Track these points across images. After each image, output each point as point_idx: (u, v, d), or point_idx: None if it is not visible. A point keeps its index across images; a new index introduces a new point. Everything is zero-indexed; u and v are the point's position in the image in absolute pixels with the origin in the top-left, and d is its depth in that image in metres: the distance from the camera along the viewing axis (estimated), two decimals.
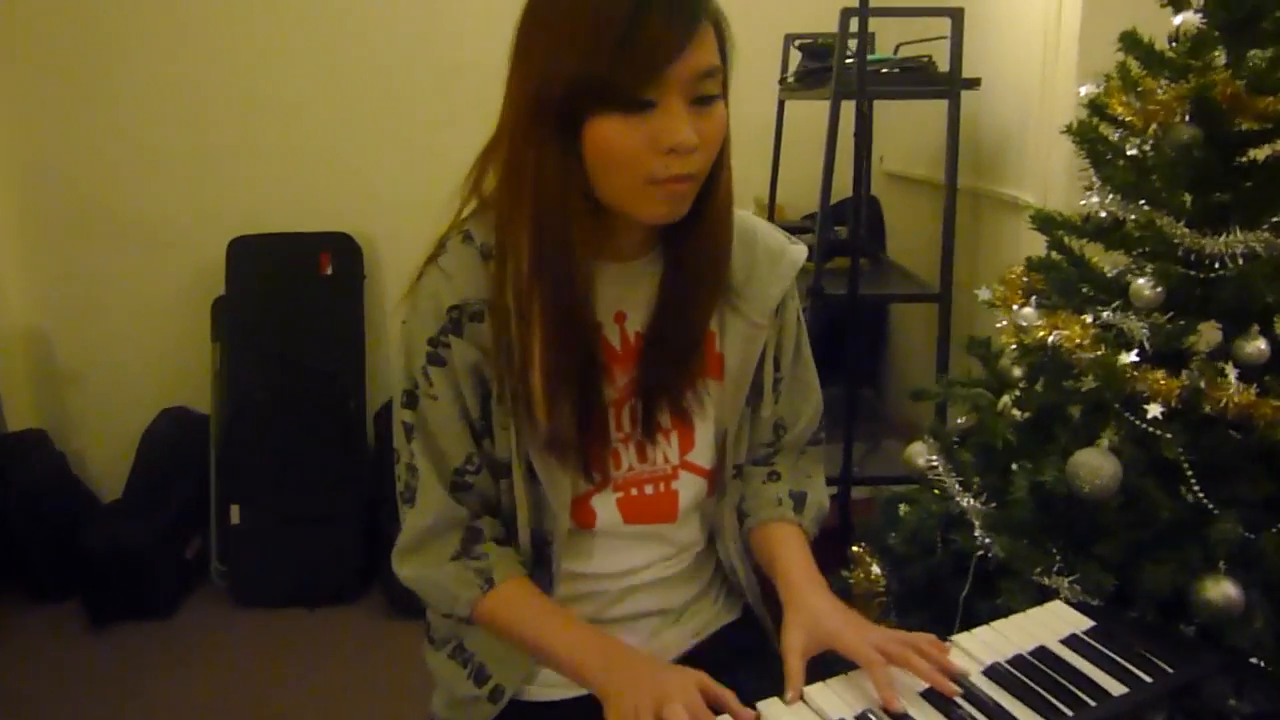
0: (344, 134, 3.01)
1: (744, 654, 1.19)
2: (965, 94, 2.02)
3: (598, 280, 0.99)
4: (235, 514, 2.81)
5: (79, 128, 2.93)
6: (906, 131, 2.71)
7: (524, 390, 0.98)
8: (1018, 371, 1.51)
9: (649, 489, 1.11)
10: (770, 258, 1.10)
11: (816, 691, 0.93)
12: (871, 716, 0.89)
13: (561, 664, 1.01)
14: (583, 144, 0.90)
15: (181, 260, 3.04)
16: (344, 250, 2.96)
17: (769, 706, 0.91)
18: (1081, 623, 1.05)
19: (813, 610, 1.00)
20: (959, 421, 1.62)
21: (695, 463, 1.12)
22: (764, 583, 1.20)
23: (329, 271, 2.93)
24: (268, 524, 2.80)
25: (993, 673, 0.96)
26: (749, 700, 0.90)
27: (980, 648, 1.00)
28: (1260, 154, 1.32)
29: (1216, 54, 1.25)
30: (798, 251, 1.13)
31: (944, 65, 2.04)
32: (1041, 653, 0.99)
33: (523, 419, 1.01)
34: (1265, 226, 1.25)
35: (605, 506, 1.09)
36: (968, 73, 2.02)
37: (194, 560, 2.90)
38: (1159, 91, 1.32)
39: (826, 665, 0.96)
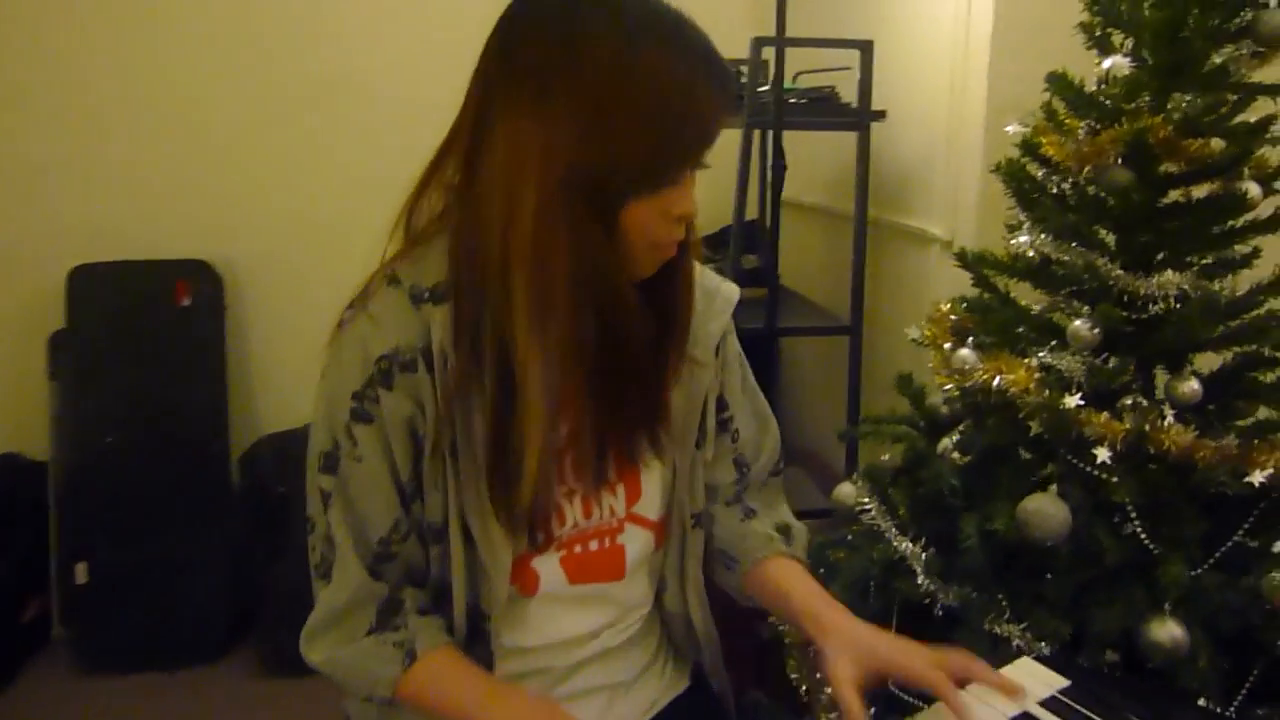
0: (202, 151, 2.78)
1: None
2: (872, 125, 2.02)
3: None
4: (81, 572, 2.54)
5: None
6: (801, 159, 2.72)
7: (498, 444, 0.90)
8: (947, 410, 1.50)
9: (594, 544, 1.04)
10: (706, 295, 1.06)
11: None
12: None
13: None
14: (618, 224, 0.87)
15: (11, 290, 2.73)
16: (203, 279, 2.73)
17: None
18: (1056, 681, 1.02)
19: (855, 637, 0.95)
20: (883, 459, 1.60)
21: (642, 514, 1.06)
22: (722, 636, 1.15)
23: (186, 302, 2.70)
24: (119, 580, 2.54)
25: None
26: None
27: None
28: (1181, 195, 1.34)
29: (1144, 97, 1.26)
30: (730, 289, 1.10)
31: (846, 96, 2.04)
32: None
33: (467, 476, 0.93)
34: (1195, 268, 1.27)
35: (548, 567, 1.01)
36: (874, 104, 2.02)
37: (32, 624, 2.61)
38: (1084, 133, 1.33)
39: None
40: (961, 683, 0.93)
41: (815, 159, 2.50)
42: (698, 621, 1.12)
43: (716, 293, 1.08)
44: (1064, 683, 1.02)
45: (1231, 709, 1.21)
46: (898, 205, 2.18)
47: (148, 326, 2.68)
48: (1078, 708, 0.98)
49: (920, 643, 0.95)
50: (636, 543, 1.05)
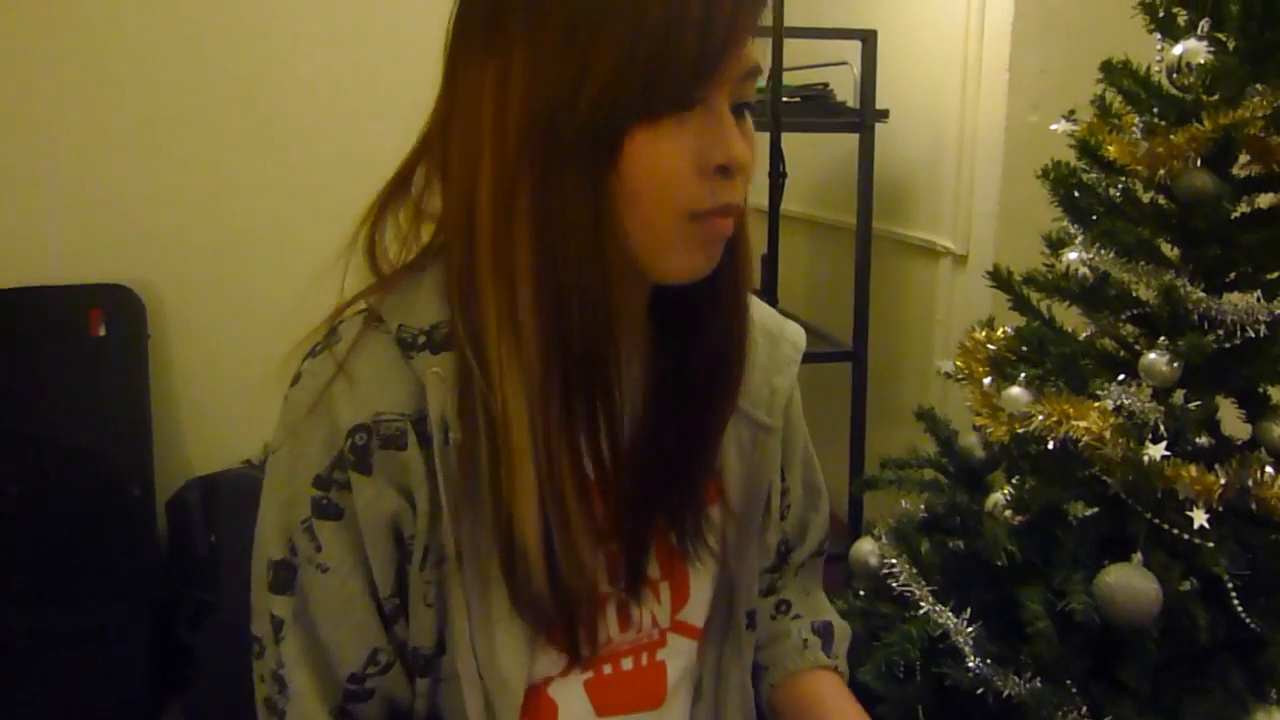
0: (121, 161, 2.49)
1: None
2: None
3: None
4: None
5: None
6: (791, 164, 2.50)
7: (500, 533, 0.65)
8: (982, 453, 1.30)
9: (627, 663, 0.78)
10: (769, 340, 0.82)
11: None
12: None
13: None
14: (615, 174, 0.60)
15: None
16: (121, 306, 2.45)
17: None
18: None
19: None
20: (903, 503, 1.40)
21: (688, 622, 0.81)
22: None
23: (101, 332, 2.42)
24: (21, 649, 2.24)
25: None
26: None
27: None
28: (1265, 202, 1.15)
29: (1250, 89, 1.07)
30: (795, 332, 0.85)
31: (840, 94, 1.83)
32: None
33: (474, 588, 0.68)
34: None
35: (569, 694, 0.76)
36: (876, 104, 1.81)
37: None
38: (1139, 130, 1.14)
39: None
40: None
41: (807, 164, 2.28)
42: None
43: (782, 336, 0.83)
44: None
45: None
46: (901, 215, 1.97)
47: (57, 361, 2.40)
48: None
49: None
50: (680, 658, 0.81)
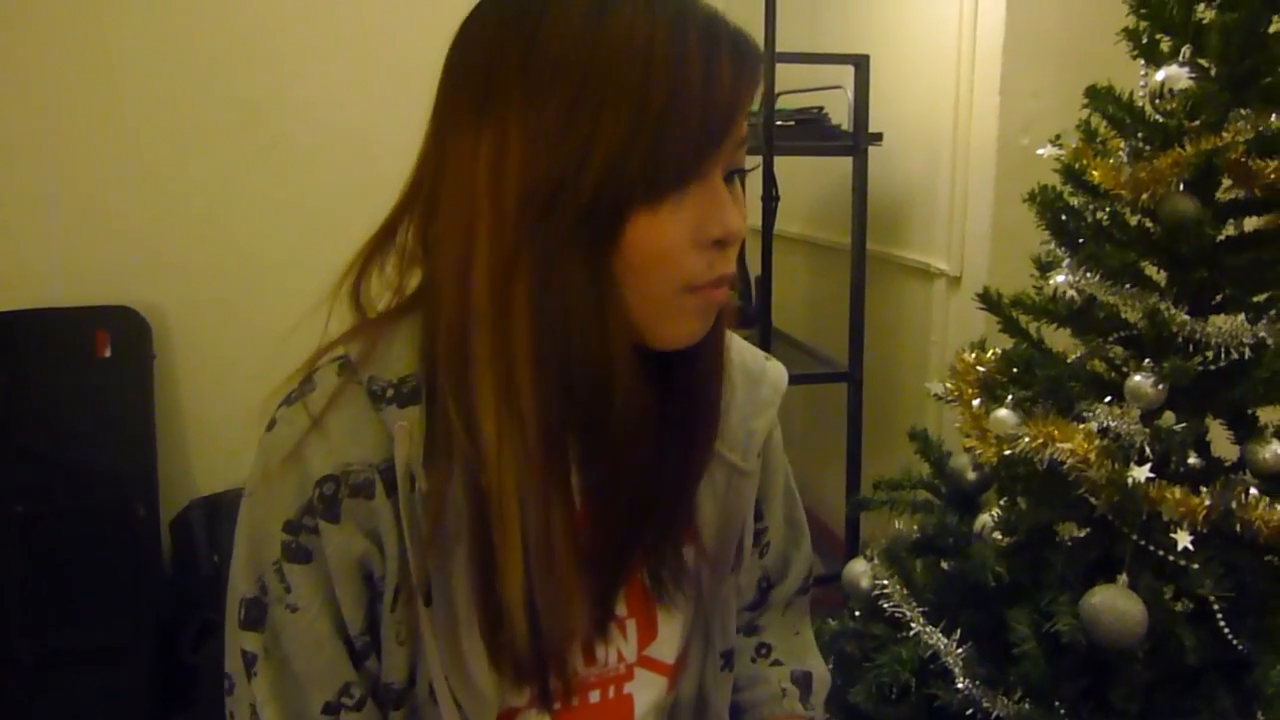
0: (126, 184, 2.50)
1: None
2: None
3: None
4: None
5: None
6: (786, 187, 2.51)
7: (485, 585, 0.67)
8: (971, 476, 1.31)
9: (594, 695, 0.79)
10: (749, 382, 0.82)
11: None
12: None
13: None
14: (615, 253, 0.61)
15: None
16: (126, 327, 2.47)
17: None
18: None
19: None
20: (896, 525, 1.41)
21: (656, 658, 0.81)
22: None
23: (107, 354, 2.44)
24: (28, 668, 2.26)
25: None
26: None
27: None
28: (1250, 225, 1.16)
29: (1232, 114, 1.08)
30: (777, 372, 0.85)
31: (835, 117, 1.85)
32: None
33: (443, 628, 0.69)
34: (1273, 311, 1.09)
35: None
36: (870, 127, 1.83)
37: None
38: (1126, 155, 1.16)
39: None
40: None
41: (804, 186, 2.29)
42: None
43: (762, 378, 0.84)
44: None
45: None
46: (895, 237, 1.98)
47: (62, 381, 2.42)
48: None
49: None
50: (648, 692, 0.82)
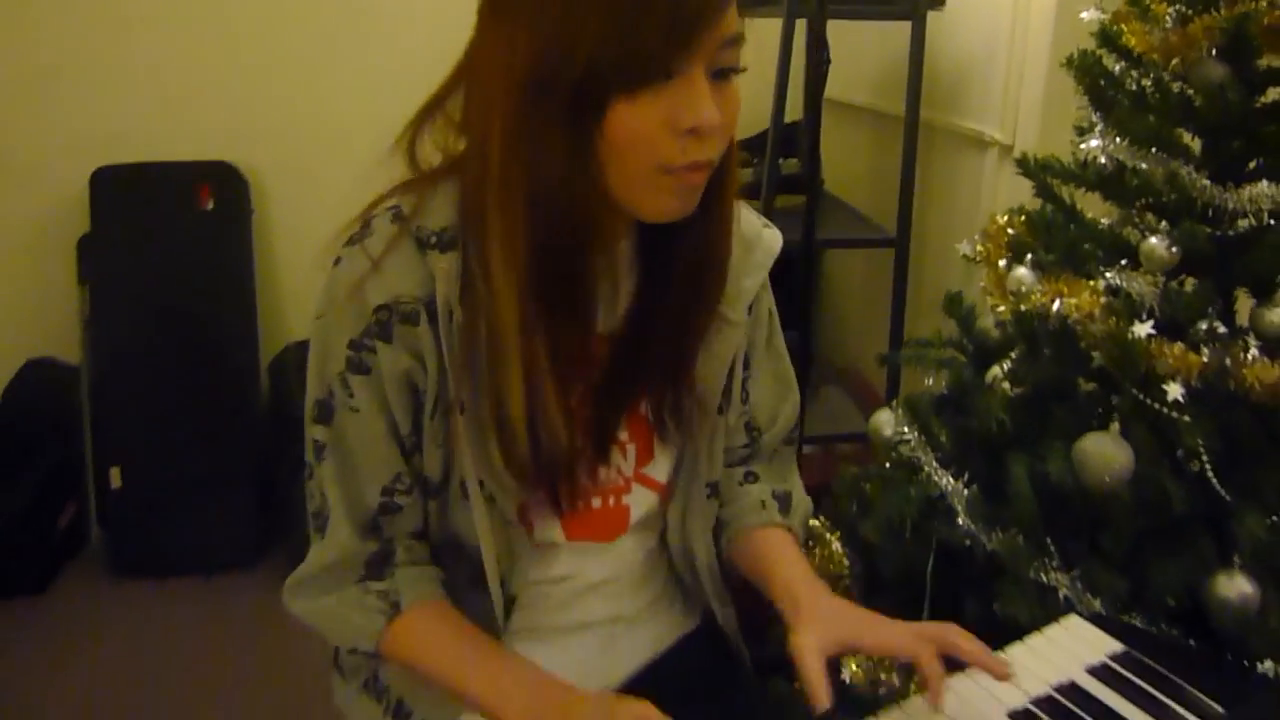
0: (224, 49, 2.65)
1: (706, 675, 1.06)
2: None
3: None
4: (116, 476, 2.54)
5: None
6: (846, 52, 2.50)
7: (495, 409, 0.81)
8: (998, 335, 1.37)
9: (595, 502, 0.94)
10: (744, 245, 0.93)
11: None
12: None
13: (481, 703, 0.85)
14: (599, 132, 0.72)
15: (39, 194, 2.67)
16: (227, 182, 2.64)
17: None
18: (1106, 644, 0.92)
19: (824, 611, 0.85)
20: (927, 383, 1.48)
21: (651, 476, 0.96)
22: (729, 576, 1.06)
23: (210, 206, 2.62)
24: (151, 487, 2.53)
25: (1022, 718, 0.82)
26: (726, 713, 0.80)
27: (999, 684, 0.86)
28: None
29: None
30: (772, 239, 0.97)
31: None
32: (1071, 690, 0.86)
33: (471, 435, 0.84)
34: None
35: (545, 520, 0.93)
36: None
37: (69, 528, 2.62)
38: (1171, 20, 1.16)
39: None
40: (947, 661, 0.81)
41: (865, 53, 2.29)
42: (701, 554, 1.03)
43: (756, 242, 0.96)
44: (1117, 647, 0.91)
45: None
46: (953, 105, 1.98)
47: (171, 231, 2.61)
48: (1132, 678, 0.87)
49: (902, 621, 0.84)
50: (642, 504, 0.97)
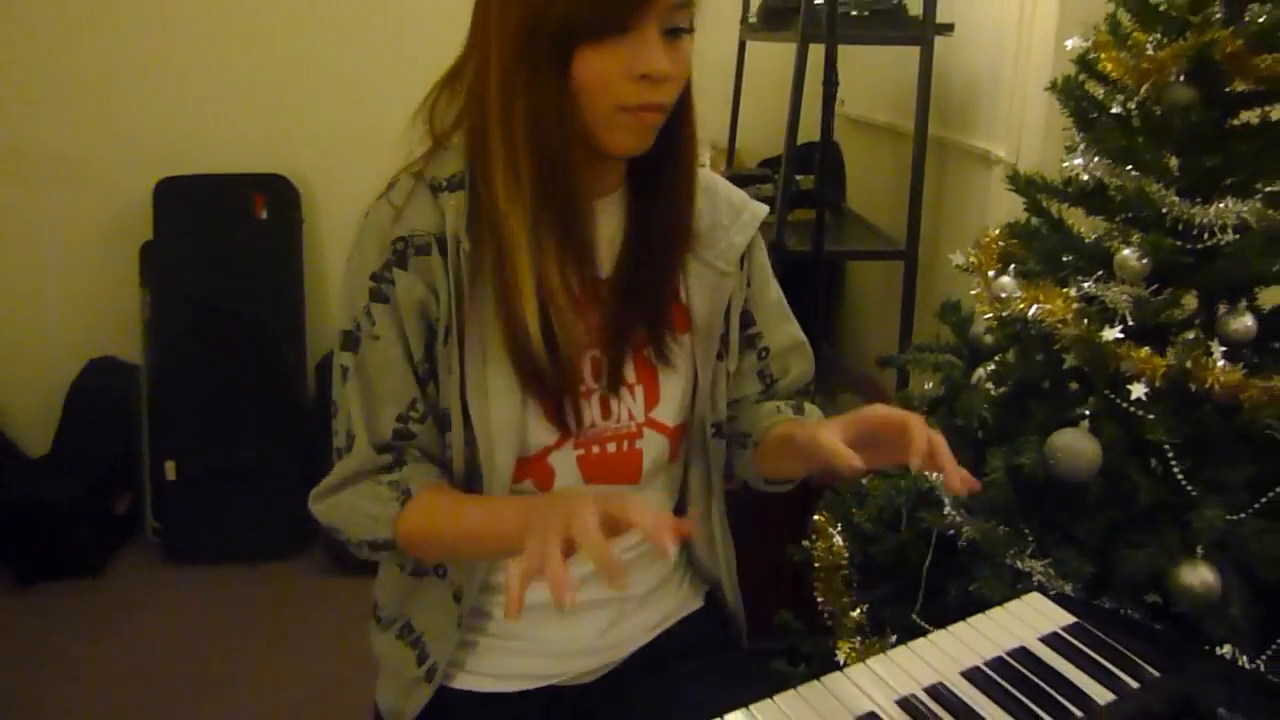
0: (279, 66, 2.83)
1: (708, 644, 1.15)
2: (937, 40, 1.92)
3: None
4: (170, 469, 2.70)
5: None
6: (870, 73, 2.61)
7: (507, 318, 0.94)
8: (991, 340, 1.45)
9: (611, 447, 1.04)
10: (732, 210, 1.08)
11: (787, 700, 0.87)
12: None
13: (483, 537, 0.94)
14: (571, 76, 0.87)
15: (106, 202, 2.86)
16: (280, 193, 2.81)
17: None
18: (1061, 618, 1.00)
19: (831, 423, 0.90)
20: (926, 387, 1.57)
21: (660, 420, 1.06)
22: (753, 560, 1.19)
23: (263, 215, 2.78)
24: (202, 478, 2.70)
25: (972, 676, 0.91)
26: (713, 705, 0.85)
27: (958, 647, 0.95)
28: (1253, 117, 1.24)
29: (1214, 9, 1.17)
30: (758, 207, 1.10)
31: (915, 8, 1.94)
32: (1022, 654, 0.94)
33: (473, 360, 0.96)
34: (1259, 195, 1.19)
35: (565, 465, 1.02)
36: (942, 16, 1.92)
37: (125, 516, 2.79)
38: (1151, 48, 1.24)
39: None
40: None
41: (887, 75, 2.39)
42: (718, 534, 1.14)
43: (745, 207, 1.09)
44: (1069, 619, 1.00)
45: (1261, 660, 1.17)
46: (963, 124, 2.07)
47: (228, 238, 2.78)
48: (1079, 645, 0.95)
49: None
50: (653, 449, 1.06)
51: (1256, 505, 1.19)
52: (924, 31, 1.87)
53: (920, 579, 1.35)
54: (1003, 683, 0.90)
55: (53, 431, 2.83)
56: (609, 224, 1.01)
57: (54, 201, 2.84)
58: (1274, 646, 1.19)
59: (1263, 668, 1.14)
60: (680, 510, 1.14)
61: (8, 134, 2.78)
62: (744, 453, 1.12)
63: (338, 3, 2.81)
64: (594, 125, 0.90)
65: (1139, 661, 0.93)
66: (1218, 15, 1.17)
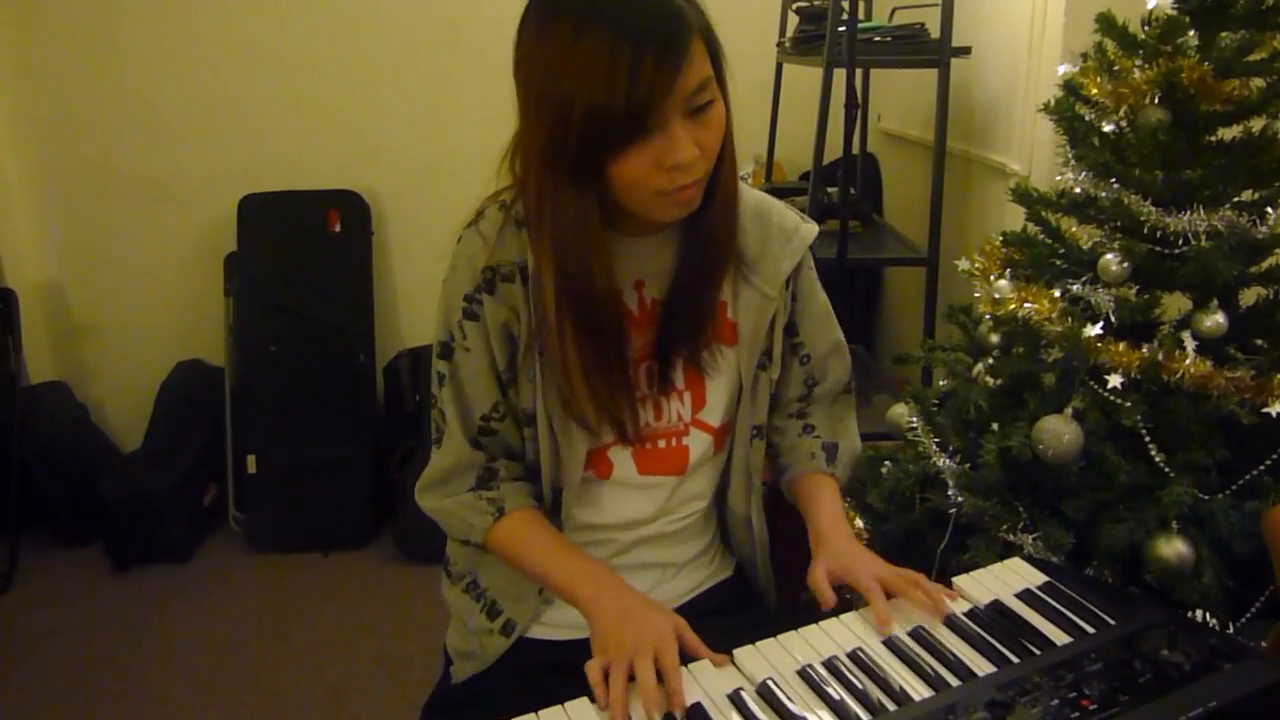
0: (351, 92, 3.05)
1: (738, 602, 1.30)
2: (957, 60, 2.06)
3: (619, 253, 1.09)
4: (251, 463, 2.91)
5: (87, 84, 2.97)
6: (904, 91, 2.75)
7: (555, 355, 1.08)
8: (994, 339, 1.59)
9: (662, 443, 1.20)
10: (783, 235, 1.18)
11: (786, 639, 1.02)
12: (838, 662, 0.98)
13: (560, 588, 1.11)
14: (603, 179, 0.97)
15: (193, 216, 3.10)
16: (352, 208, 3.02)
17: (744, 654, 1.00)
18: (1037, 578, 1.14)
19: (834, 549, 1.12)
20: (941, 384, 1.71)
21: (706, 420, 1.21)
22: (773, 537, 1.31)
23: (337, 229, 2.99)
24: (280, 472, 2.90)
25: (950, 624, 1.05)
26: (741, 638, 1.00)
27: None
28: (1228, 134, 1.37)
29: (1188, 38, 1.30)
30: (809, 229, 1.20)
31: (937, 31, 2.08)
32: (996, 606, 1.08)
33: (549, 376, 1.11)
34: (1228, 205, 1.31)
35: (622, 458, 1.19)
36: (961, 40, 2.06)
37: (211, 507, 3.01)
38: (1132, 73, 1.38)
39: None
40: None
41: (917, 91, 2.53)
42: (755, 521, 1.27)
43: (795, 233, 1.18)
44: (1042, 579, 1.13)
45: (1235, 625, 1.29)
46: (983, 140, 2.21)
47: (305, 250, 2.99)
48: (1048, 599, 1.09)
49: (889, 563, 1.09)
50: (699, 445, 1.21)
51: (1233, 487, 1.32)
52: (941, 55, 2.01)
53: (929, 554, 1.49)
54: (976, 629, 1.04)
55: (144, 428, 3.07)
56: (661, 254, 1.14)
57: (147, 217, 3.10)
58: (1249, 614, 1.31)
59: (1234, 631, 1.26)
60: (721, 496, 1.29)
61: (108, 156, 3.04)
62: (782, 475, 1.28)
63: (407, 37, 3.01)
64: (639, 208, 1.00)
65: (1101, 614, 1.06)
66: (1191, 44, 1.30)
